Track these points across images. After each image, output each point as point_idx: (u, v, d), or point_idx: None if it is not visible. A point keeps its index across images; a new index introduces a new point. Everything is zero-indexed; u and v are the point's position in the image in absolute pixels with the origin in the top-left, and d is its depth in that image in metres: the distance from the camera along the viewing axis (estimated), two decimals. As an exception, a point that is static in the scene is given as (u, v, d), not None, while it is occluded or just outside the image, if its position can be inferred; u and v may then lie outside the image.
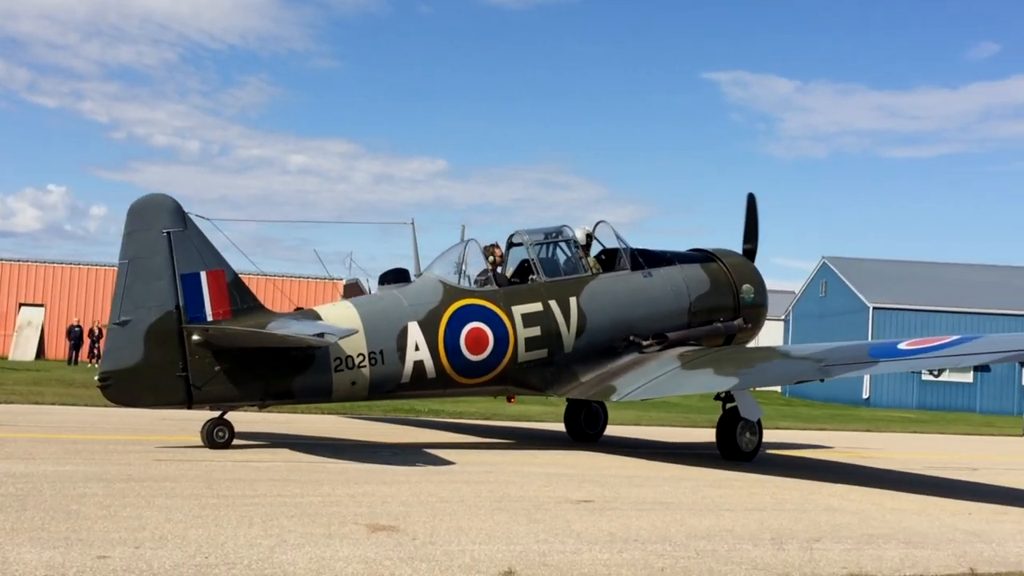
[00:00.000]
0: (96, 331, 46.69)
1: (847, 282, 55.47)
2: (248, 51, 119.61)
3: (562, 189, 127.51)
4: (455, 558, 6.78)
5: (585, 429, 17.23)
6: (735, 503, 10.10)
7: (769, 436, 20.84)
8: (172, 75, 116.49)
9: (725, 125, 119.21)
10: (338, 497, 9.20)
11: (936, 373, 44.66)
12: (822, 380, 13.27)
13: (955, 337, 12.54)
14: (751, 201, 17.30)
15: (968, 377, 50.47)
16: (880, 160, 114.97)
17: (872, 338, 50.23)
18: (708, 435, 19.70)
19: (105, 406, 19.60)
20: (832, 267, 58.27)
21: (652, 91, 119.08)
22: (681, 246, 15.81)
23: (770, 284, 17.15)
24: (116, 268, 12.18)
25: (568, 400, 16.82)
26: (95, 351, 46.32)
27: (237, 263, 13.20)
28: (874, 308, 51.97)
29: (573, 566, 6.74)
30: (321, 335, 12.17)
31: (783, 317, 64.52)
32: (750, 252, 17.13)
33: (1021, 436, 28.10)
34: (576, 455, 14.34)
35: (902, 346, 12.71)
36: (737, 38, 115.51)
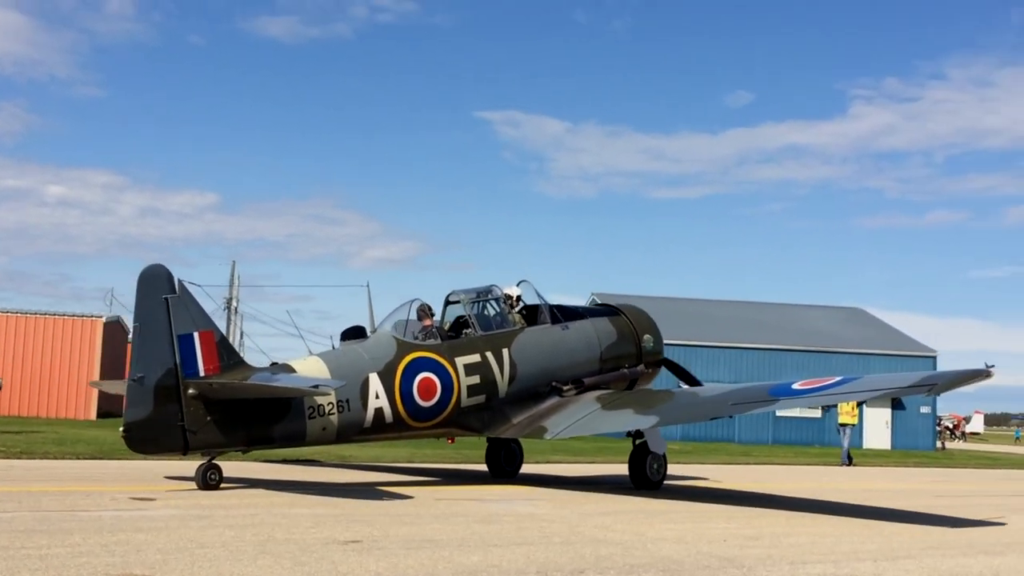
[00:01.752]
0: None
1: (615, 318, 57.26)
2: (2, 76, 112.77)
3: (336, 224, 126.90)
4: (212, 607, 6.52)
5: (504, 466, 18.80)
6: (503, 538, 10.21)
7: (547, 469, 21.33)
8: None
9: (498, 163, 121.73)
10: (89, 547, 8.68)
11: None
12: (731, 416, 15.39)
13: (839, 378, 14.74)
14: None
15: (726, 409, 53.04)
16: (646, 200, 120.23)
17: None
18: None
19: None
20: (600, 303, 60.03)
21: (426, 128, 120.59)
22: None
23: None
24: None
25: (488, 440, 18.47)
26: None
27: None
28: (641, 343, 53.95)
29: (336, 609, 6.61)
30: (317, 387, 13.44)
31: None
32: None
33: (842, 465, 29.84)
34: (346, 489, 14.14)
35: (796, 386, 14.66)
36: (509, 79, 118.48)
